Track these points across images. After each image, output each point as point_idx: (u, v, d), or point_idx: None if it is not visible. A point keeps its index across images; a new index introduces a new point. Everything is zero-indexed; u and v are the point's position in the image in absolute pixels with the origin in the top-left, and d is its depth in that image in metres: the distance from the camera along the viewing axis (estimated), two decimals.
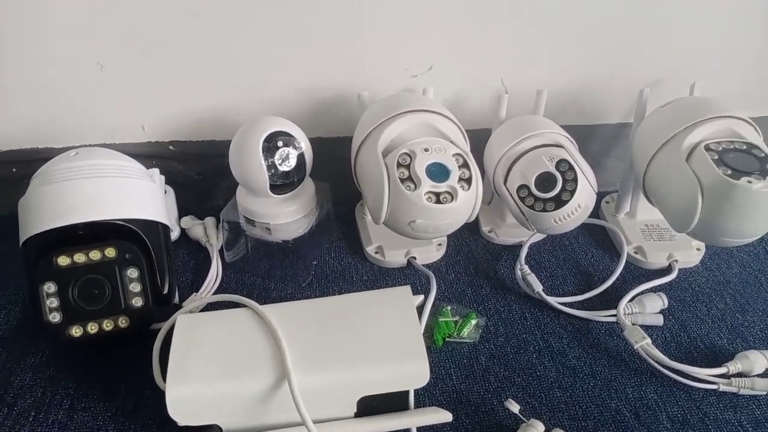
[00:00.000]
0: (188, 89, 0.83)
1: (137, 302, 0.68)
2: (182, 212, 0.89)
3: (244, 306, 0.65)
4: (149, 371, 0.65)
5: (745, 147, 0.71)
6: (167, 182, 0.88)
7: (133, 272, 0.68)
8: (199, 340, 0.61)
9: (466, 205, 0.70)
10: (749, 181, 0.66)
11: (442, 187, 0.69)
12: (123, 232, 0.69)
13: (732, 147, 0.71)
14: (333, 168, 0.85)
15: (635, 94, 0.86)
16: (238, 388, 0.57)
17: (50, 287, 0.66)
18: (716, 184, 0.67)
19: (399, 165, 0.69)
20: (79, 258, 0.67)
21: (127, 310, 0.67)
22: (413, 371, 0.59)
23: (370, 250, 0.85)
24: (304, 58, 0.82)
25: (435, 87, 0.84)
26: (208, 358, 0.59)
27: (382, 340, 0.60)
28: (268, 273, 0.82)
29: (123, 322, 0.67)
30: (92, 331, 0.67)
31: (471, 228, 0.91)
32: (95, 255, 0.67)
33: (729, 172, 0.67)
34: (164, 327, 0.66)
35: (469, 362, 0.72)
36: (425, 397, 0.67)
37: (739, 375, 0.70)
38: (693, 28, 0.85)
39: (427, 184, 0.68)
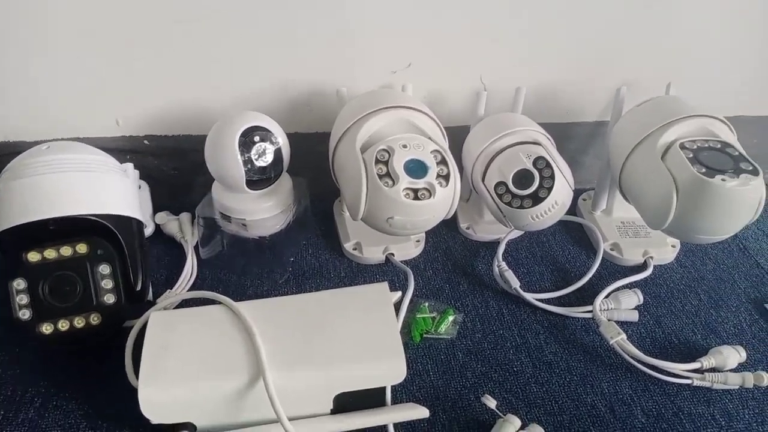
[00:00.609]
0: (163, 83, 0.82)
1: (109, 299, 0.66)
2: (157, 208, 0.88)
3: (219, 303, 0.64)
4: (122, 369, 0.64)
5: (719, 146, 0.72)
6: (142, 177, 0.86)
7: (105, 268, 0.66)
8: (172, 337, 0.60)
9: (444, 201, 0.70)
10: (723, 180, 0.67)
11: (420, 183, 0.68)
12: (95, 228, 0.67)
13: (707, 146, 0.72)
14: (311, 164, 0.84)
15: (612, 93, 0.87)
16: (212, 386, 0.56)
17: (20, 284, 0.64)
18: (691, 182, 0.68)
19: (377, 161, 0.69)
20: (50, 254, 0.65)
21: (98, 306, 0.66)
22: (390, 368, 0.58)
23: (348, 246, 0.85)
24: (282, 53, 0.82)
25: (414, 84, 0.84)
26: (182, 355, 0.58)
27: (358, 336, 0.60)
28: (244, 270, 0.81)
29: (95, 319, 0.66)
30: (63, 329, 0.65)
31: (449, 225, 0.91)
32: (66, 251, 0.66)
33: (703, 170, 0.68)
34: (137, 324, 0.65)
35: (446, 358, 0.72)
36: (402, 393, 0.67)
37: (713, 370, 0.71)
38: (670, 29, 0.86)
39: (405, 181, 0.68)
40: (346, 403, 0.60)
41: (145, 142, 0.87)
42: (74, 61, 0.78)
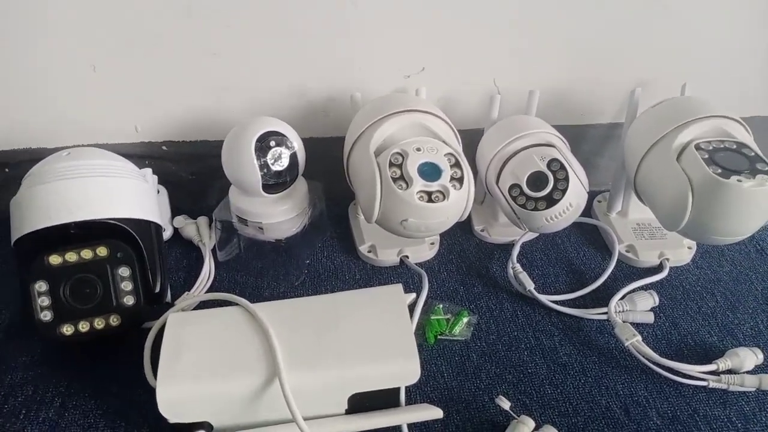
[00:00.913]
0: (181, 90, 0.84)
1: (129, 301, 0.68)
2: (175, 212, 0.89)
3: (236, 304, 0.65)
4: (141, 369, 0.65)
5: (735, 146, 0.72)
6: (160, 182, 0.88)
7: (124, 271, 0.68)
8: (190, 338, 0.61)
9: (457, 204, 0.71)
10: (739, 180, 0.67)
11: (433, 186, 0.69)
12: (115, 232, 0.69)
13: (722, 146, 0.71)
14: (326, 168, 0.85)
15: (627, 95, 0.86)
16: (228, 386, 0.57)
17: (41, 286, 0.66)
18: (706, 182, 0.68)
19: (391, 164, 0.70)
20: (71, 257, 0.67)
21: (118, 308, 0.67)
22: (404, 369, 0.59)
23: (362, 249, 0.85)
24: (296, 59, 0.83)
25: (428, 87, 0.85)
26: (199, 355, 0.59)
27: (373, 337, 0.60)
28: (261, 272, 0.82)
29: (114, 320, 0.67)
30: (83, 330, 0.67)
31: (463, 227, 0.92)
32: (87, 254, 0.67)
33: (719, 171, 0.68)
34: (155, 325, 0.66)
35: (460, 360, 0.72)
36: (416, 395, 0.68)
37: (729, 372, 0.70)
38: (684, 28, 0.86)
39: (419, 184, 0.68)
40: (361, 404, 0.60)
41: (164, 147, 0.88)
42: (94, 69, 0.80)
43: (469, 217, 0.91)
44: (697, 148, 0.71)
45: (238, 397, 0.58)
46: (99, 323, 0.67)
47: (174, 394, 0.57)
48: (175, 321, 0.63)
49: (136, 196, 0.72)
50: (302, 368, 0.58)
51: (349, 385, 0.59)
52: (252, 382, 0.57)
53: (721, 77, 0.92)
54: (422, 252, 0.86)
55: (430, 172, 0.69)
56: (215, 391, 0.57)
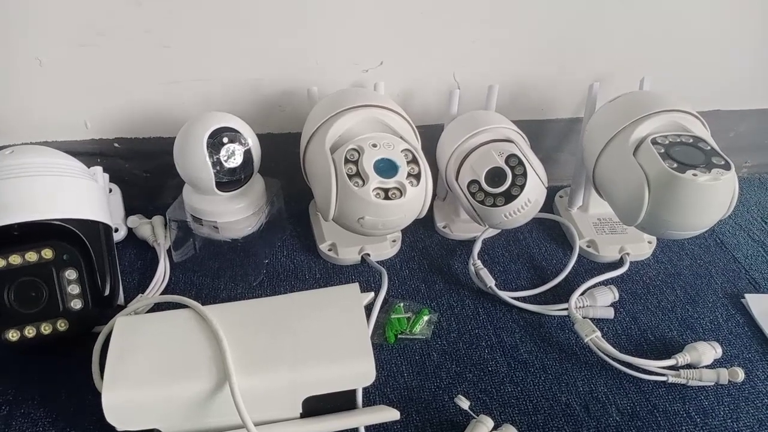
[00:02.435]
0: (132, 84, 0.81)
1: (76, 305, 0.65)
2: (131, 211, 0.87)
3: (187, 307, 0.63)
4: (91, 375, 0.63)
5: (691, 140, 0.72)
6: (114, 180, 0.86)
7: (71, 274, 0.66)
8: (138, 342, 0.59)
9: (415, 200, 0.70)
10: (694, 174, 0.67)
11: (390, 183, 0.68)
12: (61, 233, 0.66)
13: (678, 140, 0.71)
14: (285, 164, 0.83)
15: (587, 89, 0.86)
16: (177, 392, 0.55)
17: None
18: (662, 177, 0.68)
19: (347, 161, 0.68)
20: (15, 260, 0.64)
21: (65, 312, 0.65)
22: (359, 370, 0.58)
23: (323, 247, 0.84)
24: (251, 52, 0.81)
25: (386, 82, 0.83)
26: (147, 360, 0.57)
27: (327, 338, 0.59)
28: (218, 272, 0.80)
29: (62, 325, 0.65)
30: (30, 335, 0.64)
31: (426, 224, 0.91)
32: (31, 256, 0.65)
33: (675, 165, 0.68)
34: (104, 330, 0.64)
35: (420, 359, 0.71)
36: (376, 395, 0.67)
37: (688, 366, 0.70)
38: (643, 22, 0.86)
39: (375, 180, 0.67)
40: (316, 407, 0.59)
41: (116, 144, 0.86)
42: (40, 63, 0.77)
43: (431, 213, 0.91)
44: (654, 142, 0.71)
45: (188, 402, 0.56)
46: (46, 328, 0.65)
47: (120, 401, 0.55)
48: (122, 325, 0.61)
49: (83, 196, 0.70)
50: (253, 372, 0.56)
51: (303, 389, 0.57)
52: (201, 387, 0.55)
53: (681, 71, 0.92)
54: (384, 250, 0.84)
55: (387, 168, 0.68)
56: (163, 396, 0.55)
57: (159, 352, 0.58)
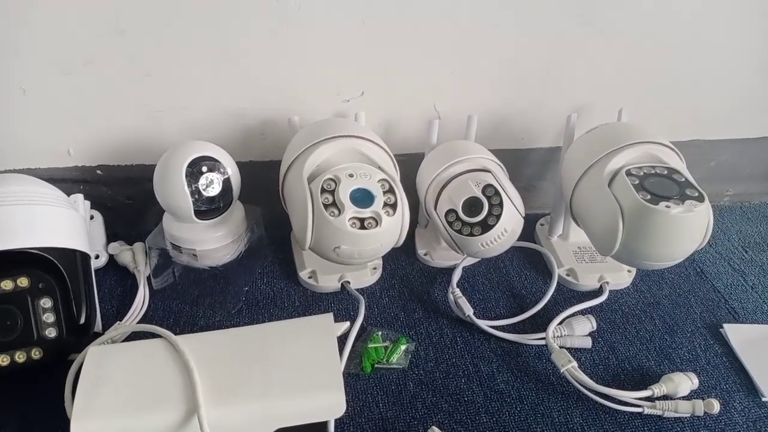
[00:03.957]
0: (114, 112, 0.82)
1: (51, 333, 0.66)
2: (113, 237, 0.87)
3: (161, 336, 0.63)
4: (64, 404, 0.63)
5: (666, 172, 0.72)
6: (96, 207, 0.86)
7: (46, 302, 0.66)
8: (109, 373, 0.59)
9: (391, 230, 0.70)
10: (667, 206, 0.67)
11: (366, 212, 0.68)
12: (37, 261, 0.67)
13: (653, 172, 0.72)
14: (267, 191, 0.84)
15: (565, 119, 0.87)
16: (146, 423, 0.55)
17: None
18: (635, 208, 0.68)
19: (323, 190, 0.69)
20: None
21: (40, 341, 0.65)
22: (329, 402, 0.58)
23: (303, 275, 0.84)
24: (234, 82, 0.82)
25: (367, 112, 0.84)
26: (117, 391, 0.57)
27: (298, 370, 0.59)
28: (197, 300, 0.81)
29: (36, 353, 0.65)
30: (4, 363, 0.64)
31: (407, 251, 0.91)
32: (7, 285, 0.65)
33: (648, 197, 0.68)
34: (77, 360, 0.64)
35: (397, 389, 0.71)
36: (350, 426, 0.66)
37: (664, 398, 0.70)
38: (622, 53, 0.87)
39: (351, 210, 0.68)
40: None
41: (98, 171, 0.86)
42: (24, 94, 0.78)
43: (412, 241, 0.91)
44: (628, 174, 0.71)
45: None
46: (20, 357, 0.65)
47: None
48: (94, 355, 0.61)
49: (60, 224, 0.70)
50: (223, 403, 0.56)
51: (273, 420, 0.57)
52: (170, 419, 0.55)
53: (660, 101, 0.93)
54: (364, 277, 0.85)
55: (363, 198, 0.69)
56: (132, 428, 0.55)
57: (130, 383, 0.58)
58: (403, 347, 0.75)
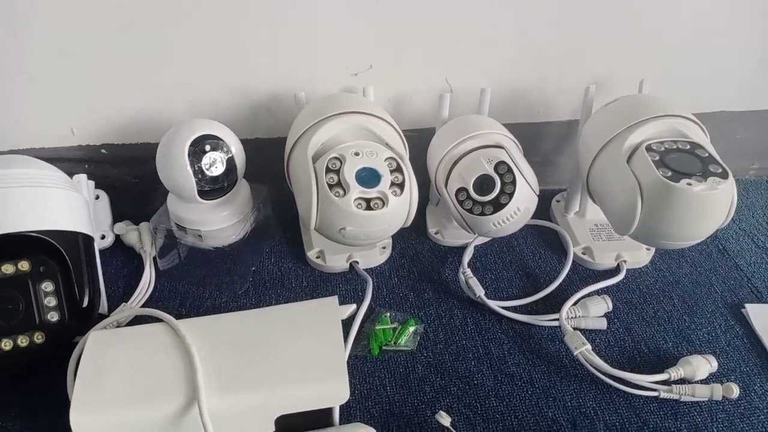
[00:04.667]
0: (118, 90, 0.80)
1: (53, 317, 0.65)
2: (120, 217, 0.86)
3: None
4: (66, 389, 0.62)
5: (688, 147, 0.69)
6: (102, 187, 0.85)
7: (48, 286, 0.65)
8: (109, 359, 0.58)
9: (398, 211, 0.68)
10: (689, 184, 0.64)
11: (372, 193, 0.66)
12: (39, 244, 0.65)
13: (675, 147, 0.69)
14: (274, 170, 0.82)
15: (584, 91, 0.83)
16: (147, 411, 0.54)
17: None
18: (655, 186, 0.65)
19: (328, 170, 0.67)
20: None
21: (42, 325, 0.64)
22: (332, 389, 0.56)
23: (311, 254, 0.82)
24: (239, 57, 0.79)
25: (376, 86, 0.81)
26: (118, 379, 0.56)
27: (301, 356, 0.58)
28: (204, 281, 0.80)
29: (39, 338, 0.64)
30: (6, 348, 0.64)
31: (418, 229, 0.89)
32: (8, 269, 0.64)
33: (669, 173, 0.65)
34: (78, 345, 0.63)
35: (405, 371, 0.70)
36: (356, 410, 0.65)
37: (681, 381, 0.68)
38: (644, 23, 0.83)
39: (357, 190, 0.65)
40: (289, 425, 0.57)
41: (103, 151, 0.85)
42: (25, 70, 0.76)
43: (423, 219, 0.89)
44: (648, 149, 0.68)
45: (158, 423, 0.55)
46: (23, 341, 0.64)
47: (89, 421, 0.54)
48: (95, 341, 0.60)
49: (62, 207, 0.69)
50: (225, 390, 0.55)
51: (275, 407, 0.56)
52: (171, 407, 0.54)
53: (683, 72, 0.89)
54: (373, 257, 0.83)
55: (369, 177, 0.66)
56: (133, 417, 0.54)
57: (130, 370, 0.57)
58: (411, 329, 0.73)
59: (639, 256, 0.83)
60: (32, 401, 0.65)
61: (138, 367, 0.57)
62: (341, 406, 0.61)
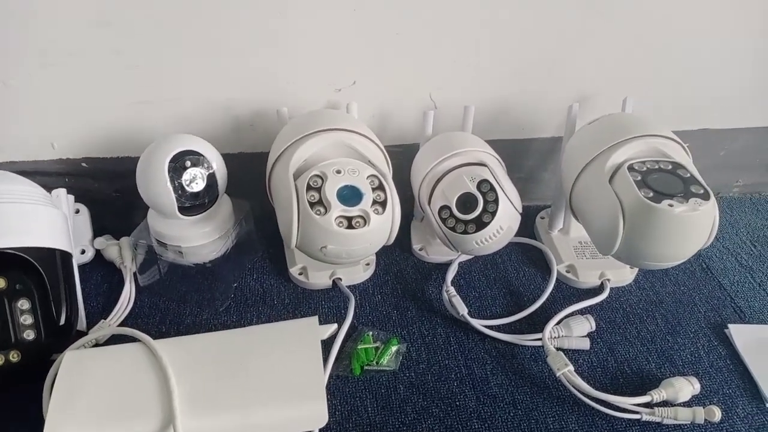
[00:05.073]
0: (99, 104, 0.79)
1: (29, 335, 0.64)
2: (101, 231, 0.85)
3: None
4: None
5: (670, 167, 0.69)
6: (83, 200, 0.84)
7: (24, 303, 0.64)
8: (85, 380, 0.57)
9: (379, 229, 0.67)
10: (670, 204, 0.64)
11: (353, 211, 0.66)
12: (14, 262, 0.64)
13: (657, 167, 0.69)
14: (257, 184, 0.81)
15: (567, 109, 0.83)
16: None
17: None
18: (637, 206, 0.65)
19: (309, 188, 0.66)
20: None
21: (18, 343, 0.64)
22: (310, 413, 0.56)
23: (293, 271, 0.82)
24: (222, 72, 0.79)
25: (360, 101, 0.81)
26: (93, 400, 0.55)
27: (280, 378, 0.57)
28: (184, 297, 0.79)
29: (14, 356, 0.63)
30: None
31: (402, 246, 0.88)
32: None
33: (651, 194, 0.65)
34: (54, 364, 0.62)
35: (386, 392, 0.69)
36: None
37: (664, 404, 0.67)
38: (627, 40, 0.83)
39: (338, 209, 0.65)
40: None
41: (83, 164, 0.84)
42: (4, 83, 0.76)
43: (408, 235, 0.89)
44: (630, 169, 0.68)
45: None
46: None
47: None
48: (71, 360, 0.59)
49: (38, 223, 0.68)
50: (201, 413, 0.54)
51: (252, 430, 0.55)
52: (147, 430, 0.53)
53: (667, 90, 0.89)
54: (356, 274, 0.82)
55: (350, 196, 0.66)
56: None
57: (106, 390, 0.56)
58: (394, 348, 0.73)
59: (623, 274, 0.83)
60: (7, 420, 0.64)
61: (114, 387, 0.56)
62: (320, 429, 0.60)
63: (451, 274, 0.80)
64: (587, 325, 0.75)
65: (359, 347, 0.72)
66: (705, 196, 0.65)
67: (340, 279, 0.81)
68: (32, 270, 0.65)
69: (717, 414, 0.65)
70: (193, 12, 0.73)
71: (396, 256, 0.88)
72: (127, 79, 0.78)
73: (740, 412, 0.68)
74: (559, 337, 0.74)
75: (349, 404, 0.67)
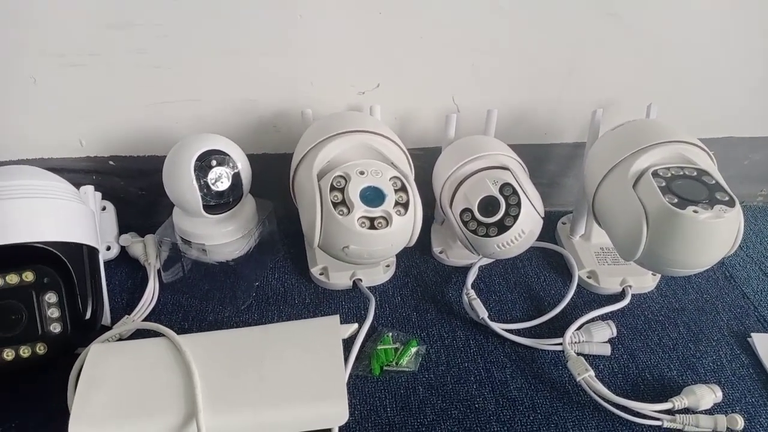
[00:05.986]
0: (126, 104, 0.81)
1: (56, 328, 0.65)
2: (126, 228, 0.87)
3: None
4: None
5: (695, 173, 0.68)
6: (109, 198, 0.85)
7: (51, 297, 0.65)
8: (109, 373, 0.58)
9: (402, 230, 0.68)
10: (695, 211, 0.63)
11: (376, 212, 0.66)
12: (43, 255, 0.66)
13: (681, 173, 0.68)
14: (280, 185, 0.82)
15: (591, 114, 0.83)
16: (145, 426, 0.54)
17: None
18: (661, 212, 0.65)
19: (333, 188, 0.67)
20: None
21: (44, 336, 0.64)
22: (331, 411, 0.56)
23: (314, 271, 0.82)
24: (246, 73, 0.80)
25: (383, 104, 0.82)
26: (117, 393, 0.56)
27: (301, 375, 0.57)
28: (207, 295, 0.79)
29: (41, 348, 0.64)
30: (8, 358, 0.64)
31: (422, 248, 0.89)
32: (12, 279, 0.64)
33: (675, 200, 0.65)
34: (80, 357, 0.63)
35: (405, 393, 0.69)
36: (356, 431, 0.65)
37: (685, 411, 0.67)
38: (651, 47, 0.82)
39: (361, 209, 0.65)
40: None
41: (110, 162, 0.85)
42: (34, 81, 0.77)
43: (428, 238, 0.89)
44: (655, 175, 0.68)
45: None
46: (25, 351, 0.64)
47: None
48: (95, 354, 0.60)
49: (67, 218, 0.69)
50: (223, 409, 0.55)
51: (273, 427, 0.56)
52: (170, 423, 0.54)
53: (691, 97, 0.88)
54: (377, 275, 0.82)
55: (373, 196, 0.66)
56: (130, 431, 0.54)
57: (129, 384, 0.57)
58: (413, 349, 0.73)
59: (644, 281, 0.82)
60: (32, 412, 0.65)
61: (138, 381, 0.57)
62: (340, 427, 0.61)
63: (471, 277, 0.80)
64: (608, 330, 0.75)
65: (379, 348, 0.72)
66: (730, 203, 0.65)
67: (361, 280, 0.81)
68: (60, 264, 0.66)
69: (740, 422, 0.65)
70: (217, 13, 0.74)
71: (416, 258, 0.88)
72: (151, 80, 0.79)
73: (763, 422, 0.67)
74: (579, 342, 0.74)
75: (368, 404, 0.67)
